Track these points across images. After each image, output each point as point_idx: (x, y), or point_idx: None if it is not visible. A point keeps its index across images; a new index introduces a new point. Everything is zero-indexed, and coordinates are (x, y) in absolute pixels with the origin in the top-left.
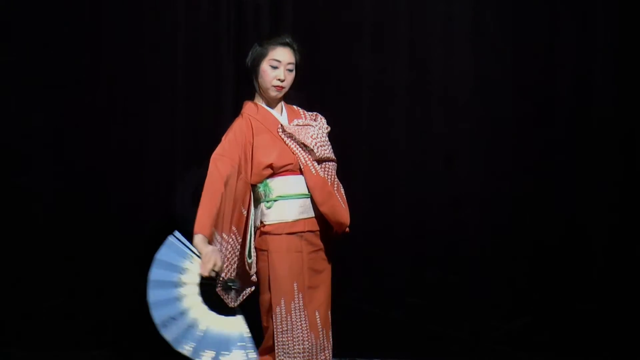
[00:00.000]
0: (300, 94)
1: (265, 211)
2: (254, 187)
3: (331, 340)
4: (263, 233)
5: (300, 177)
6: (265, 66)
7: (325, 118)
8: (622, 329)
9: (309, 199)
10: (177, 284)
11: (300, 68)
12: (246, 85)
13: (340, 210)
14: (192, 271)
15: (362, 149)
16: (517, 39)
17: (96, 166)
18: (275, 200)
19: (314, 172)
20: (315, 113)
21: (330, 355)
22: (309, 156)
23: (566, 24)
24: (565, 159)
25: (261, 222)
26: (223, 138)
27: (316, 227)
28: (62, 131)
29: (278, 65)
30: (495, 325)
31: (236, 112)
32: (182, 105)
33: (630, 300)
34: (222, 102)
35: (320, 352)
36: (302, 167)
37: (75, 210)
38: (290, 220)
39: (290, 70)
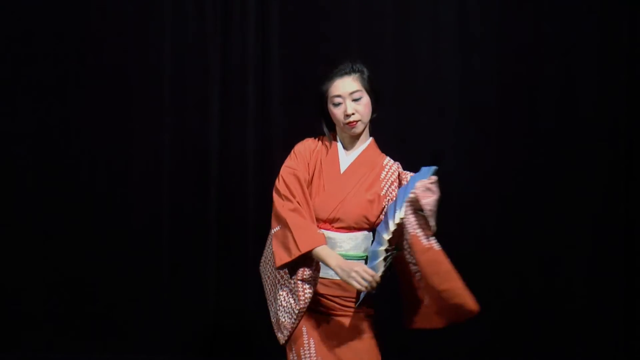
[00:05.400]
0: None
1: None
2: None
3: None
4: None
5: (359, 234)
6: (330, 107)
7: (312, 122)
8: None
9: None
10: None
11: (376, 91)
12: (232, 88)
13: None
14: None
15: None
16: (502, 39)
17: (83, 169)
18: None
19: None
20: (406, 172)
21: None
22: None
23: (551, 24)
24: (551, 158)
25: None
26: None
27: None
28: (48, 134)
29: (341, 100)
30: (481, 324)
31: (223, 115)
32: (169, 109)
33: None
34: (208, 106)
35: None
36: None
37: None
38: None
39: (358, 99)
